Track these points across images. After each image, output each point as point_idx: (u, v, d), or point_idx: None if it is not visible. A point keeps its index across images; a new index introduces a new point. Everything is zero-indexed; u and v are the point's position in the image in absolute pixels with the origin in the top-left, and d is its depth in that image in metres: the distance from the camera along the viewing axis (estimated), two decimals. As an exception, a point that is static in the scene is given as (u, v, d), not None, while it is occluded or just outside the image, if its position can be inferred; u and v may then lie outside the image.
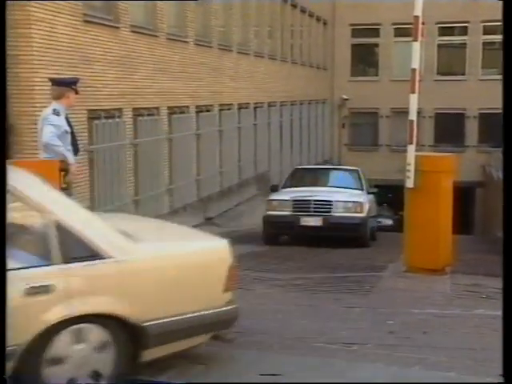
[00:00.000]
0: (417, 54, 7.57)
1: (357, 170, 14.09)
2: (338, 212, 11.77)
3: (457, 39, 29.25)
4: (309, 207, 11.90)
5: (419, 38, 7.48)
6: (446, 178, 7.85)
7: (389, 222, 22.26)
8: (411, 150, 7.68)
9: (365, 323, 5.59)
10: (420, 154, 8.02)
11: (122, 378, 3.85)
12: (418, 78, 7.67)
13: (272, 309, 6.00)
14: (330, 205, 11.80)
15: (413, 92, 7.62)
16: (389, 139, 28.75)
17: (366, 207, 12.07)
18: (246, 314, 5.68)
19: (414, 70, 7.63)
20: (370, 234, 12.49)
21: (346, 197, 12.22)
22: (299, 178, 14.12)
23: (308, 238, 11.62)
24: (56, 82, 6.91)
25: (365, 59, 30.58)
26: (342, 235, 11.55)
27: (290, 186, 13.36)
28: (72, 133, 6.82)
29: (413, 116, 7.69)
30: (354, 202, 11.99)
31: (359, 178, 13.66)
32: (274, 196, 12.78)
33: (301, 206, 11.96)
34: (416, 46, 7.52)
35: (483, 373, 4.31)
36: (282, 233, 12.40)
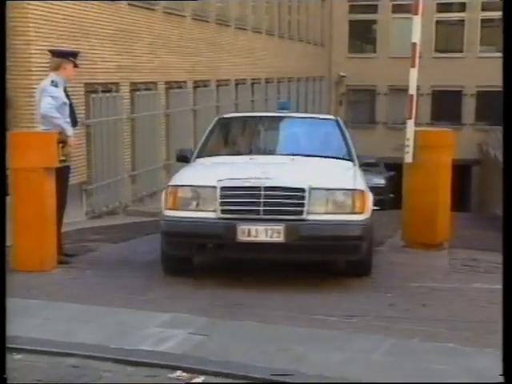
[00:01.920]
0: (417, 27, 7.52)
1: (336, 121, 7.58)
2: (317, 212, 5.72)
3: (455, 16, 29.09)
4: (256, 202, 5.67)
5: (420, 12, 7.42)
6: (445, 153, 7.83)
7: (381, 181, 18.16)
8: (410, 124, 7.65)
9: (364, 296, 5.61)
10: (419, 129, 7.99)
11: None
12: (418, 52, 7.62)
13: (272, 283, 6.00)
14: (299, 196, 5.69)
15: (413, 66, 7.57)
16: (386, 117, 28.70)
17: (370, 200, 5.96)
18: (247, 288, 5.71)
19: (414, 45, 7.57)
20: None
21: (329, 177, 6.15)
22: (230, 135, 7.97)
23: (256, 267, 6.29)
24: (55, 53, 6.85)
25: (363, 36, 30.40)
26: (324, 259, 6.09)
27: (211, 154, 6.97)
28: (70, 105, 6.77)
29: (412, 91, 7.65)
30: (348, 189, 5.85)
31: (343, 138, 7.21)
32: (182, 177, 6.17)
33: (239, 198, 5.71)
34: (417, 19, 7.46)
35: (482, 344, 4.34)
36: (195, 258, 6.45)
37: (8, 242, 6.45)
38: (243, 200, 5.67)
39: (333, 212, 5.73)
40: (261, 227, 5.58)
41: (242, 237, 5.59)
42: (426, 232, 7.72)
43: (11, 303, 5.06)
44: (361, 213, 5.74)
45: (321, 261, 6.16)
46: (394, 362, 4.03)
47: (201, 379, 3.84)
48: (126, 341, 4.33)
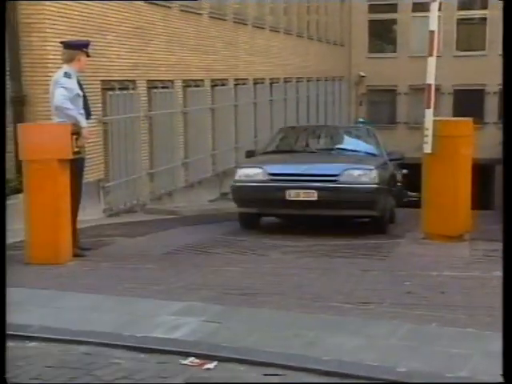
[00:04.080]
0: (435, 15, 7.41)
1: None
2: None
3: (477, 13, 28.80)
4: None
5: (437, -1, 7.33)
6: (465, 143, 7.71)
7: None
8: (429, 114, 7.54)
9: (381, 285, 5.52)
10: (438, 118, 7.88)
11: None
12: (436, 41, 7.52)
13: (287, 272, 5.95)
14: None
15: (431, 55, 7.47)
16: (407, 117, 28.46)
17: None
18: (262, 275, 5.65)
19: (432, 33, 7.47)
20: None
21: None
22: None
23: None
24: (67, 45, 6.86)
25: (382, 35, 30.22)
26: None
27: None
28: (84, 96, 6.77)
29: (431, 80, 7.54)
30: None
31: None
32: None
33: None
34: (434, 6, 7.35)
35: (503, 329, 4.22)
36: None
37: (22, 235, 6.48)
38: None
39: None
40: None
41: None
42: (446, 224, 7.61)
43: (24, 293, 5.08)
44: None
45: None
46: (410, 346, 3.93)
47: (213, 365, 3.77)
48: (139, 329, 4.29)
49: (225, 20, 15.62)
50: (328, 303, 4.88)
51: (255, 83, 17.65)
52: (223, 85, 15.51)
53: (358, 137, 10.31)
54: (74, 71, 6.69)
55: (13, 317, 4.32)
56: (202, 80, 14.39)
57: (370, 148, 9.67)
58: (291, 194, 8.31)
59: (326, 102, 25.15)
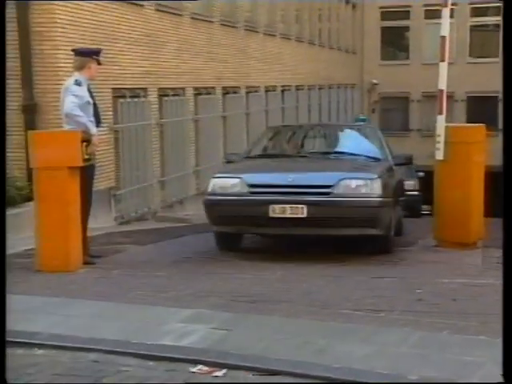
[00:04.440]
0: (446, 20, 7.39)
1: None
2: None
3: (490, 20, 28.71)
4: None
5: (449, 4, 7.30)
6: (478, 150, 7.66)
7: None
8: (441, 120, 7.50)
9: (392, 292, 5.48)
10: (450, 124, 7.84)
11: None
12: (447, 46, 7.49)
13: (296, 279, 5.92)
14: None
15: (442, 60, 7.45)
16: (420, 124, 28.39)
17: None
18: (270, 283, 5.63)
19: (443, 38, 7.45)
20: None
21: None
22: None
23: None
24: (78, 52, 6.89)
25: (395, 42, 30.20)
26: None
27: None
28: (94, 104, 6.79)
29: (443, 85, 7.51)
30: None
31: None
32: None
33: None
34: (445, 11, 7.33)
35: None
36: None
37: (33, 243, 6.50)
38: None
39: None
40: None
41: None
42: (458, 231, 7.55)
43: (34, 301, 5.08)
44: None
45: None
46: (422, 354, 3.89)
47: (222, 372, 3.75)
48: (147, 336, 4.27)
49: (236, 27, 15.67)
50: (337, 310, 4.85)
51: (267, 91, 17.67)
52: (235, 92, 15.54)
53: (359, 137, 8.89)
54: (85, 79, 6.72)
55: (22, 324, 4.34)
56: (213, 88, 14.43)
57: (373, 151, 8.15)
58: (276, 210, 6.81)
59: (338, 110, 25.15)
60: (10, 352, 3.80)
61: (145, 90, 11.66)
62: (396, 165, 8.06)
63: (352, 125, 9.25)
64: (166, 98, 12.28)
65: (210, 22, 14.27)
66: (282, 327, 4.44)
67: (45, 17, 9.18)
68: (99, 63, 6.84)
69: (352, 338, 4.18)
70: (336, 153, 8.24)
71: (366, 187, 6.91)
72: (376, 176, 7.02)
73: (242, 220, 7.03)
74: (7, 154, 9.13)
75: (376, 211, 6.87)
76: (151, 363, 3.89)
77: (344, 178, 6.94)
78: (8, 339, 3.67)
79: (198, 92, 13.68)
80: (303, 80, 20.93)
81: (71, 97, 6.50)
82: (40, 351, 4.11)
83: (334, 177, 6.99)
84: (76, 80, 6.62)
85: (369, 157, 7.94)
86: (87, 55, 6.80)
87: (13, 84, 9.26)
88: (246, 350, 3.99)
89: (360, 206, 6.85)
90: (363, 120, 9.02)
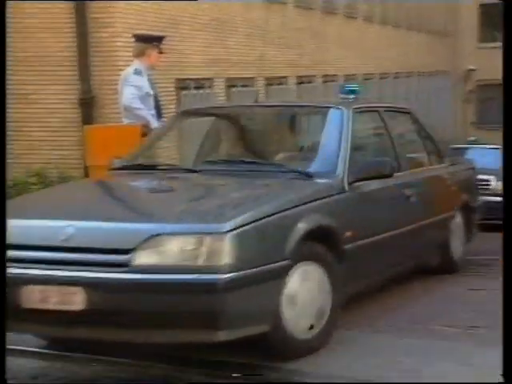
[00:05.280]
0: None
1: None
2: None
3: None
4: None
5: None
6: None
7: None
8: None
9: (493, 307, 5.32)
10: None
11: None
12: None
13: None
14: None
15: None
16: (524, 115, 27.65)
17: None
18: (353, 298, 5.59)
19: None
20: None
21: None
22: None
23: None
24: (138, 38, 7.00)
25: (495, 22, 29.41)
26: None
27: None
28: (155, 95, 6.87)
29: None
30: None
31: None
32: None
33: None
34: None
35: None
36: None
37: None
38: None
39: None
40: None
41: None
42: None
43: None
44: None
45: None
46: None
47: None
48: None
49: (312, 9, 15.61)
50: (428, 326, 4.78)
51: (346, 80, 17.54)
52: (310, 82, 15.49)
53: (316, 131, 5.87)
54: (145, 68, 6.81)
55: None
56: (285, 77, 14.42)
57: (326, 157, 5.09)
58: (32, 296, 3.94)
59: (428, 100, 24.71)
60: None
61: (211, 80, 11.75)
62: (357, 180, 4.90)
63: (315, 105, 6.12)
64: (233, 89, 12.34)
65: (283, 3, 14.28)
66: (371, 343, 4.39)
67: (103, 3, 9.36)
68: (160, 52, 6.92)
69: (449, 358, 4.11)
70: (249, 163, 5.17)
71: (199, 251, 3.83)
72: (229, 227, 3.90)
73: None
74: (62, 153, 9.44)
75: (218, 299, 3.82)
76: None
77: (159, 234, 3.92)
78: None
79: (270, 82, 13.69)
80: (388, 67, 20.66)
81: (130, 88, 6.60)
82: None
83: (140, 231, 4.00)
84: (135, 69, 6.72)
85: (306, 173, 4.84)
86: (147, 41, 6.90)
87: (67, 76, 9.49)
88: (323, 368, 3.97)
89: (184, 290, 3.85)
90: (353, 91, 4.96)
